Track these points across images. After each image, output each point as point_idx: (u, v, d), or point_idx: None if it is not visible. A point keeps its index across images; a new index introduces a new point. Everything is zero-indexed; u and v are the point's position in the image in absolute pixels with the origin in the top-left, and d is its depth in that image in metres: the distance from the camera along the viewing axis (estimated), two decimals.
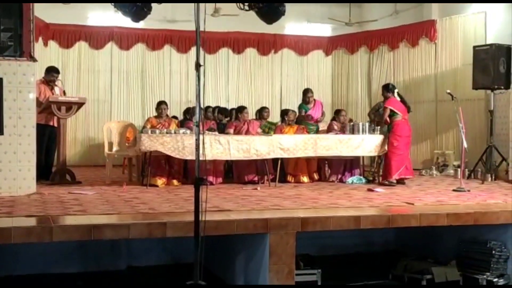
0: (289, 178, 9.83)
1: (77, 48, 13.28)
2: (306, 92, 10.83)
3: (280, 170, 9.49)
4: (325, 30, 14.93)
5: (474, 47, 11.00)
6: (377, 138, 9.75)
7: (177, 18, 13.46)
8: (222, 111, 11.70)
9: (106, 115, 13.41)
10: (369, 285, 7.13)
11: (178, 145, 8.66)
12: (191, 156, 8.49)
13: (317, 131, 10.29)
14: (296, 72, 14.76)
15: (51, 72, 9.51)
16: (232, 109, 11.70)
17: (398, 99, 9.71)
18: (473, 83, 10.90)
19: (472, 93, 11.23)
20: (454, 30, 12.41)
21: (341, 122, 10.45)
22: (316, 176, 10.09)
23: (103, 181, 9.40)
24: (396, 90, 9.81)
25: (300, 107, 10.79)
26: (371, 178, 10.07)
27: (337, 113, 10.78)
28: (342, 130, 10.14)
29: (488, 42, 11.20)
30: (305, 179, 9.83)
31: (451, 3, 12.38)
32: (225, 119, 11.33)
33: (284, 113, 10.40)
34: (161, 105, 9.57)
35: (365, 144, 9.67)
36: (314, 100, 10.81)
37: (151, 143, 8.57)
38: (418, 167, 12.35)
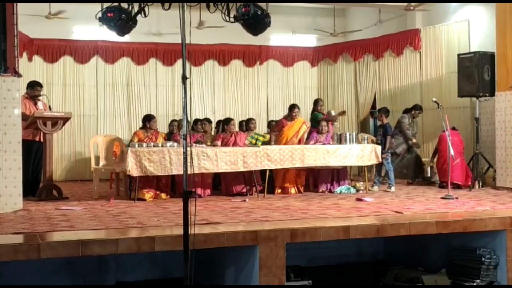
0: (277, 189, 9.78)
1: (62, 62, 13.23)
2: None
3: (268, 181, 9.48)
4: (310, 40, 15.02)
5: (458, 55, 11.07)
6: (365, 147, 9.78)
7: (162, 31, 13.46)
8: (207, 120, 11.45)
9: (92, 129, 13.33)
10: None
11: (166, 158, 8.62)
12: (178, 171, 8.46)
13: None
14: (282, 83, 14.82)
15: (35, 87, 9.42)
16: (219, 121, 11.64)
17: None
18: (458, 91, 10.97)
19: (457, 100, 11.31)
20: (438, 39, 12.51)
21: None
22: (302, 189, 10.03)
23: (90, 196, 9.33)
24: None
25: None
26: (362, 189, 10.04)
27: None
28: (328, 140, 10.10)
29: (472, 50, 11.29)
30: (293, 190, 9.80)
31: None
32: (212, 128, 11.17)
33: (290, 108, 10.21)
34: (151, 120, 9.60)
35: (353, 153, 9.68)
36: None
37: (137, 164, 8.49)
38: None
